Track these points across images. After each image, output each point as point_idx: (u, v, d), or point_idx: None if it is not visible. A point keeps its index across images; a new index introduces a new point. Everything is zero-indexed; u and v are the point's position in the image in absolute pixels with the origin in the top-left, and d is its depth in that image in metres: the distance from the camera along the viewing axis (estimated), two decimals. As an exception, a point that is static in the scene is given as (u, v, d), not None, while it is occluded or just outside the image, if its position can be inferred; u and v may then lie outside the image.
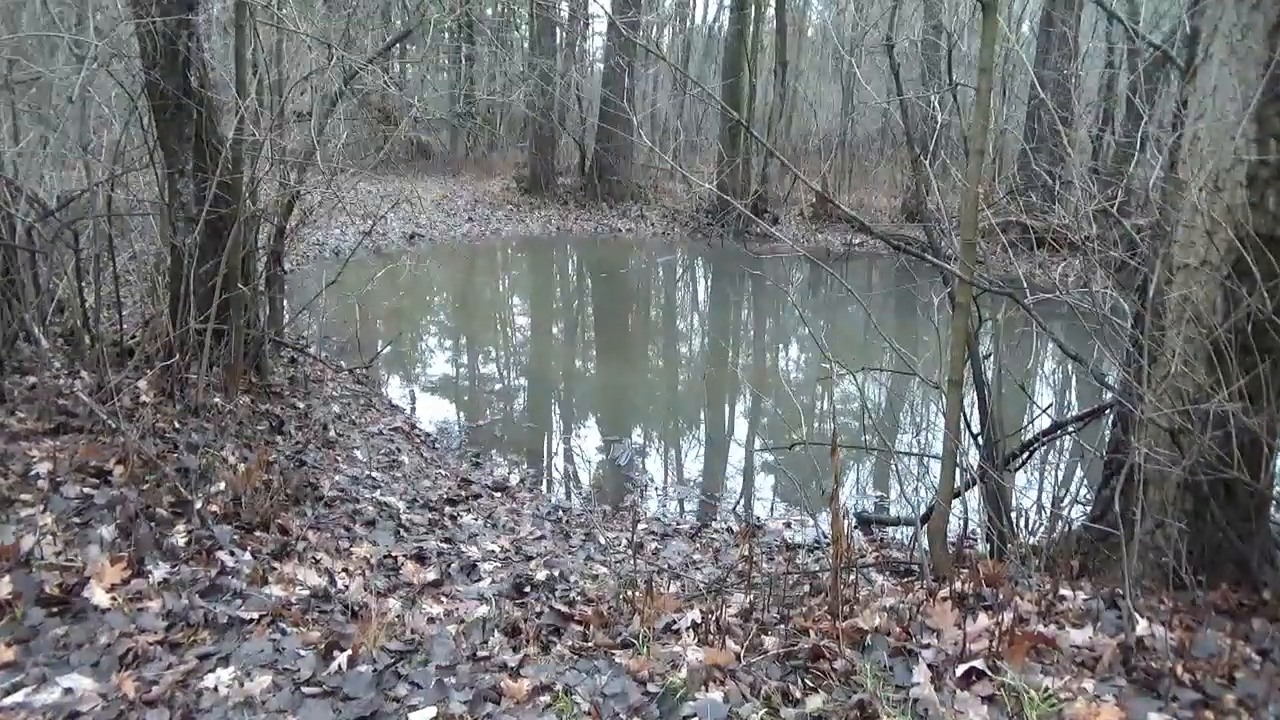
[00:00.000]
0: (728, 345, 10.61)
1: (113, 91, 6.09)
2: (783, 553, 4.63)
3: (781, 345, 11.03)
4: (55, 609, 2.67)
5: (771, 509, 5.86)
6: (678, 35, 26.69)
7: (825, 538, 4.73)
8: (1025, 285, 3.78)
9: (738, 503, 5.91)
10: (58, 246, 5.20)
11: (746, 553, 3.66)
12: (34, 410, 4.12)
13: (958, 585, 2.91)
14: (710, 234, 17.30)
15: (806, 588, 3.40)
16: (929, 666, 2.40)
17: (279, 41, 6.60)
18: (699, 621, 2.87)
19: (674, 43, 26.59)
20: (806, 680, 2.43)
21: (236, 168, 5.21)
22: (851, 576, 3.08)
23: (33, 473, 3.48)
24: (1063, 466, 6.01)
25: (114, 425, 3.81)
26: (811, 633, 2.68)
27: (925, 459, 5.46)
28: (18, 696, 2.27)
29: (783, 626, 2.79)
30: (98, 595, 2.75)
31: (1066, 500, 3.96)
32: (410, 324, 10.55)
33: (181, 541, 3.28)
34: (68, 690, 2.29)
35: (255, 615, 2.81)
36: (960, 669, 2.36)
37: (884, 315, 9.92)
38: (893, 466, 5.76)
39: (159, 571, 2.99)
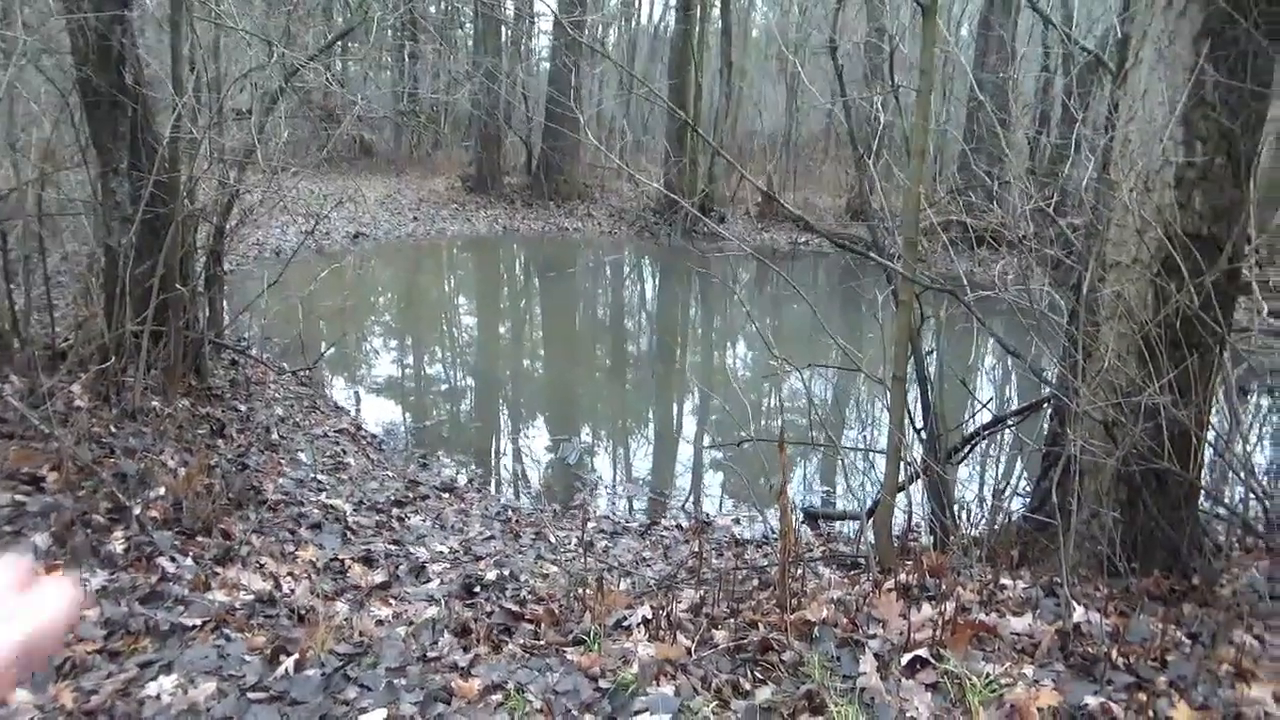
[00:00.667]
0: (676, 343, 10.65)
1: (42, 88, 5.90)
2: (732, 548, 4.67)
3: (729, 343, 11.11)
4: (-13, 620, 2.58)
5: (720, 505, 5.91)
6: (623, 35, 26.72)
7: (774, 533, 4.78)
8: (966, 283, 3.87)
9: (687, 500, 5.95)
10: (-15, 247, 5.03)
11: (696, 549, 3.69)
12: (-39, 416, 3.98)
13: (902, 577, 2.96)
14: (657, 233, 17.35)
15: (755, 582, 3.44)
16: (875, 656, 2.45)
17: (217, 37, 6.45)
18: (650, 617, 2.89)
19: (620, 42, 26.62)
20: (756, 672, 2.46)
21: (174, 166, 5.09)
22: (799, 570, 3.12)
23: (-39, 480, 3.37)
24: (1003, 459, 6.15)
25: (47, 430, 3.70)
26: (761, 626, 2.71)
27: (870, 454, 5.56)
28: (-52, 711, 2.20)
29: (732, 620, 2.81)
30: (32, 605, 2.67)
31: (1006, 492, 4.05)
32: (355, 324, 10.39)
33: (120, 548, 3.20)
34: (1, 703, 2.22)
35: (198, 621, 2.76)
36: (905, 658, 2.41)
37: (829, 312, 10.05)
38: (839, 462, 5.84)
39: (97, 579, 2.92)
